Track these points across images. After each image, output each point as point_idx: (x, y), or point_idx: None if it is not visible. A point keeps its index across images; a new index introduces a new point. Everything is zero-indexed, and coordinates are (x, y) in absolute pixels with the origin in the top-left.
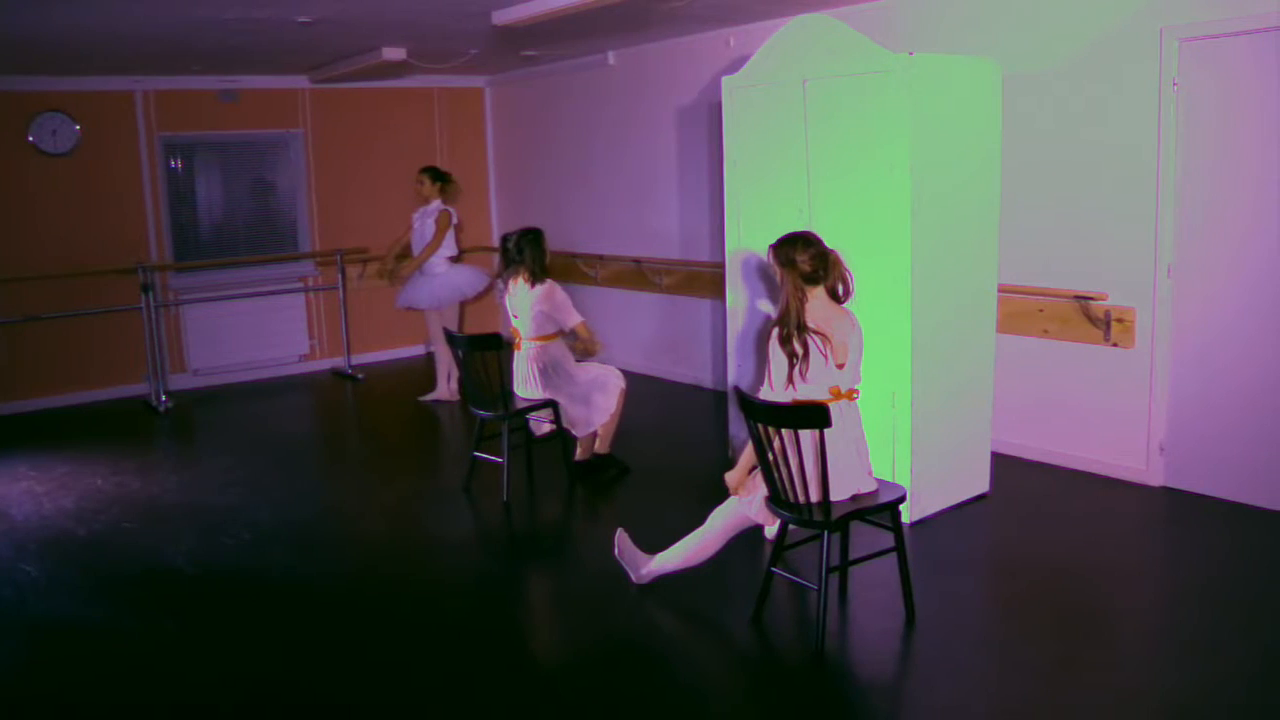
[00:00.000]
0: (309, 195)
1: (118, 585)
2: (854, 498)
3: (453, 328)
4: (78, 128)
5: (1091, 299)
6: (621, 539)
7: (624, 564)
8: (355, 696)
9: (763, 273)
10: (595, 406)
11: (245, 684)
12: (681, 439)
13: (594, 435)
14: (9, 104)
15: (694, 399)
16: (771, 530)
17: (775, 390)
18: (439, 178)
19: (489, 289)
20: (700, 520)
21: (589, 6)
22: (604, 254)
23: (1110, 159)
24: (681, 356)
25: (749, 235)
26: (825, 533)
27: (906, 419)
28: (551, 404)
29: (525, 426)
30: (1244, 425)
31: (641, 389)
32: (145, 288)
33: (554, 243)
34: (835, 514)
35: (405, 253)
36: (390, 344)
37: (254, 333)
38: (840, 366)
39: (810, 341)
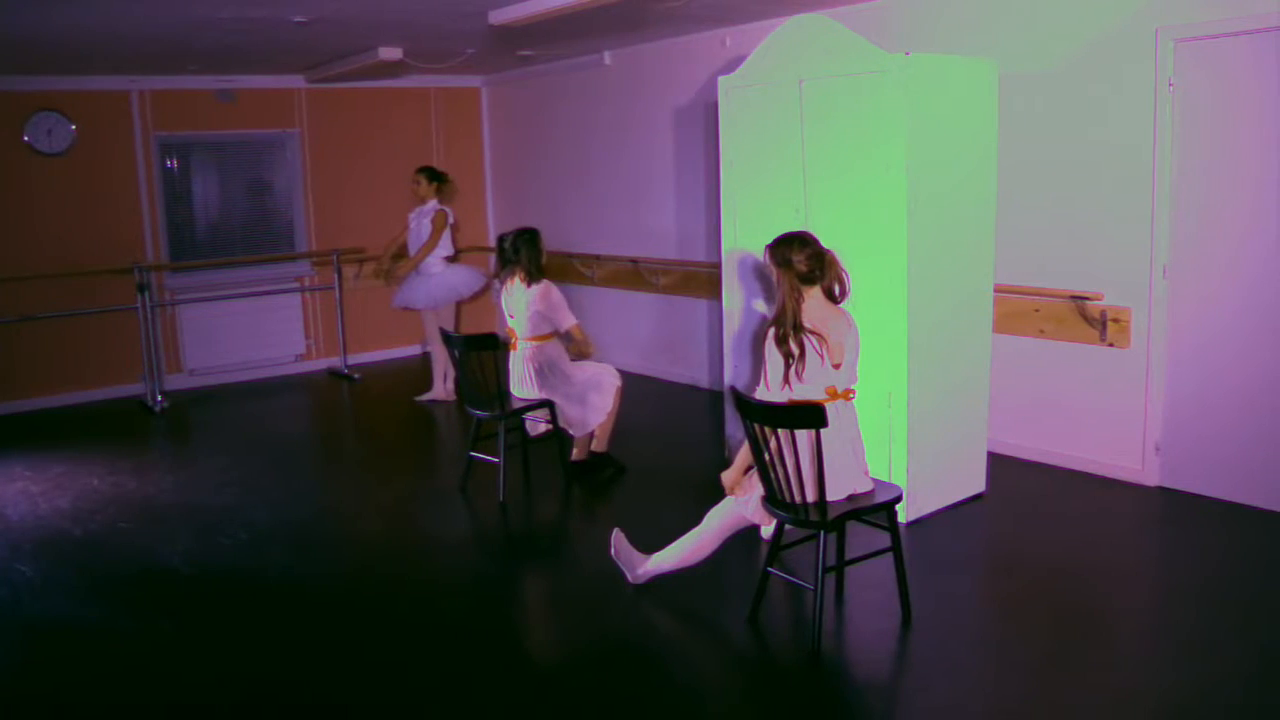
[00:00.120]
0: (305, 195)
1: (114, 585)
2: (850, 498)
3: (449, 328)
4: (73, 127)
5: (1087, 299)
6: (618, 539)
7: (620, 564)
8: (352, 696)
9: (759, 273)
10: (591, 406)
11: (242, 684)
12: (678, 439)
13: (591, 435)
14: (4, 103)
15: (690, 399)
16: (768, 530)
17: (771, 390)
18: (435, 178)
19: (485, 289)
20: (696, 520)
21: (585, 6)
22: (601, 254)
23: (1106, 159)
24: (678, 356)
25: (745, 235)
26: (821, 533)
27: (903, 419)
28: (548, 404)
29: (521, 426)
30: (1240, 425)
31: (638, 389)
32: (141, 287)
33: (550, 243)
34: (831, 514)
35: (401, 253)
36: (386, 344)
37: (250, 333)
38: (836, 366)
39: (806, 341)
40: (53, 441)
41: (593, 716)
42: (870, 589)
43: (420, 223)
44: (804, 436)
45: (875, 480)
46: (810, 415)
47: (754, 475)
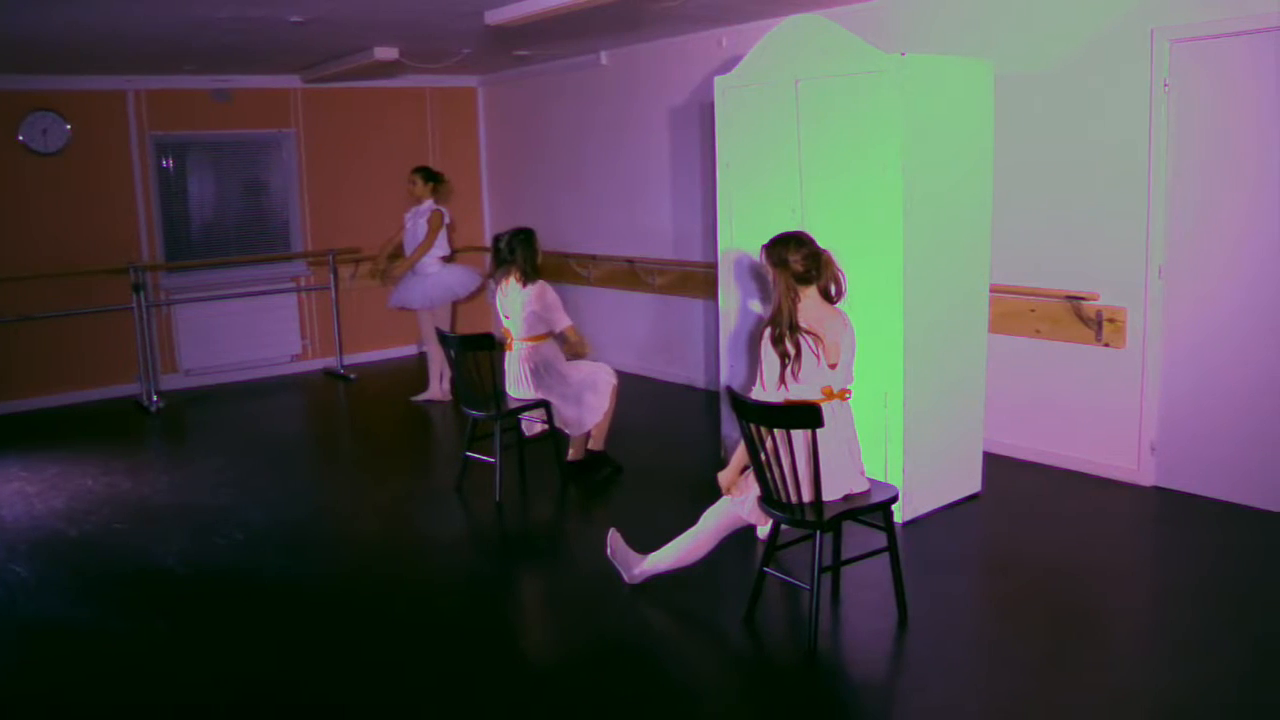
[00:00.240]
0: (301, 195)
1: (109, 586)
2: (846, 498)
3: (445, 328)
4: (69, 127)
5: (1083, 299)
6: (614, 539)
7: (616, 564)
8: (348, 696)
9: (755, 273)
10: (587, 406)
11: (238, 684)
12: (674, 439)
13: (587, 434)
14: None
15: (686, 399)
16: (764, 530)
17: (767, 390)
18: (431, 178)
19: (481, 289)
20: (693, 520)
21: (582, 6)
22: (597, 254)
23: (1102, 159)
24: (674, 356)
25: (741, 235)
26: (817, 533)
27: (898, 419)
28: (544, 404)
29: (517, 426)
30: (1235, 425)
31: (634, 389)
32: (137, 287)
33: (547, 243)
34: (827, 514)
35: (398, 253)
36: (382, 344)
37: (246, 333)
38: (832, 366)
39: (802, 341)
40: (48, 442)
41: (589, 716)
42: (866, 589)
43: (416, 223)
44: (800, 436)
45: (871, 480)
46: (806, 415)
47: (750, 475)
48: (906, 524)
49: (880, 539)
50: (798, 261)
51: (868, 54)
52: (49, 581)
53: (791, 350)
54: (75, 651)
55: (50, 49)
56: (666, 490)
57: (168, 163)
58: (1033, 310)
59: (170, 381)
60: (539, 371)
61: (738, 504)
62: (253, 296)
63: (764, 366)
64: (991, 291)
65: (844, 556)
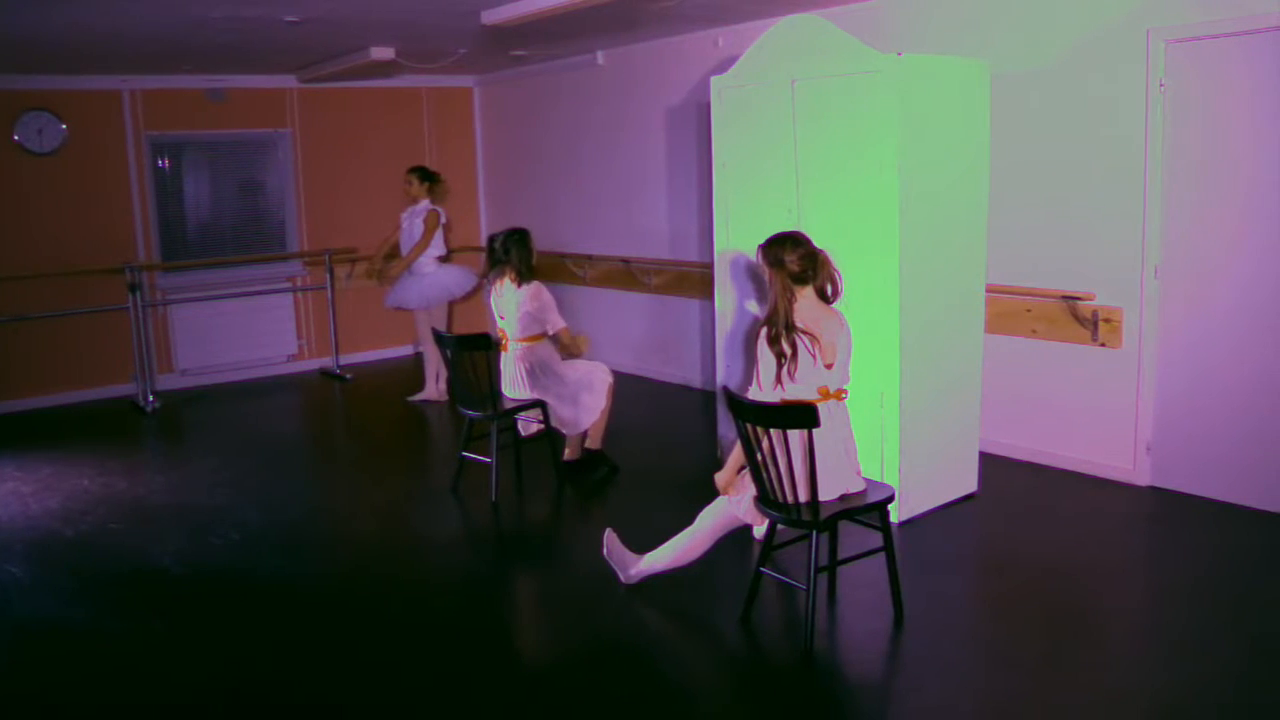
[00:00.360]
0: (297, 195)
1: (104, 586)
2: (842, 497)
3: (441, 328)
4: (64, 126)
5: (1079, 299)
6: (610, 539)
7: (613, 564)
8: (345, 696)
9: (751, 273)
10: (584, 406)
11: (234, 684)
12: (670, 439)
13: (584, 434)
14: None
15: (683, 399)
16: (760, 530)
17: (764, 390)
18: (427, 177)
19: (477, 289)
20: (689, 520)
21: (578, 6)
22: (593, 254)
23: (1098, 160)
24: (670, 356)
25: (738, 235)
26: (814, 533)
27: (895, 419)
28: (540, 404)
29: (513, 426)
30: (1230, 425)
31: (630, 389)
32: (133, 287)
33: (543, 243)
34: (824, 514)
35: (394, 253)
36: (378, 344)
37: (242, 333)
38: (829, 366)
39: (799, 341)
40: (43, 441)
41: (585, 716)
42: (862, 589)
43: (412, 223)
44: (796, 436)
45: (867, 480)
46: (802, 415)
47: (746, 475)
48: (903, 524)
49: (876, 539)
50: (794, 261)
51: (864, 54)
52: (44, 581)
53: (788, 350)
54: (70, 651)
55: (46, 48)
56: (663, 490)
57: (163, 162)
58: (1029, 310)
59: (166, 381)
60: (535, 372)
61: (734, 504)
62: (249, 296)
63: (760, 366)
64: (987, 291)
65: (840, 556)
